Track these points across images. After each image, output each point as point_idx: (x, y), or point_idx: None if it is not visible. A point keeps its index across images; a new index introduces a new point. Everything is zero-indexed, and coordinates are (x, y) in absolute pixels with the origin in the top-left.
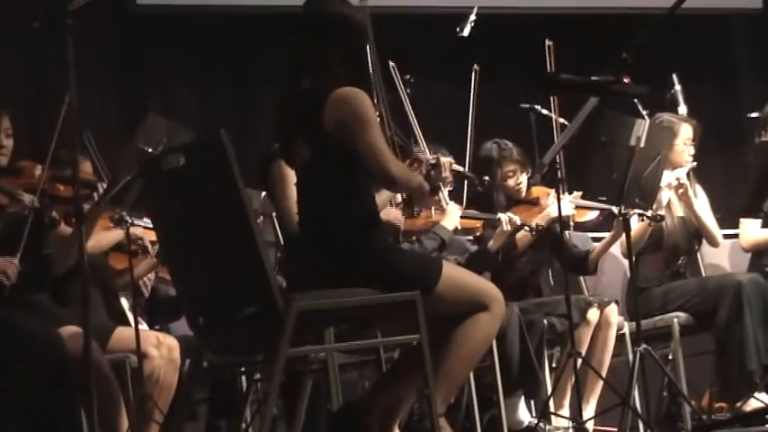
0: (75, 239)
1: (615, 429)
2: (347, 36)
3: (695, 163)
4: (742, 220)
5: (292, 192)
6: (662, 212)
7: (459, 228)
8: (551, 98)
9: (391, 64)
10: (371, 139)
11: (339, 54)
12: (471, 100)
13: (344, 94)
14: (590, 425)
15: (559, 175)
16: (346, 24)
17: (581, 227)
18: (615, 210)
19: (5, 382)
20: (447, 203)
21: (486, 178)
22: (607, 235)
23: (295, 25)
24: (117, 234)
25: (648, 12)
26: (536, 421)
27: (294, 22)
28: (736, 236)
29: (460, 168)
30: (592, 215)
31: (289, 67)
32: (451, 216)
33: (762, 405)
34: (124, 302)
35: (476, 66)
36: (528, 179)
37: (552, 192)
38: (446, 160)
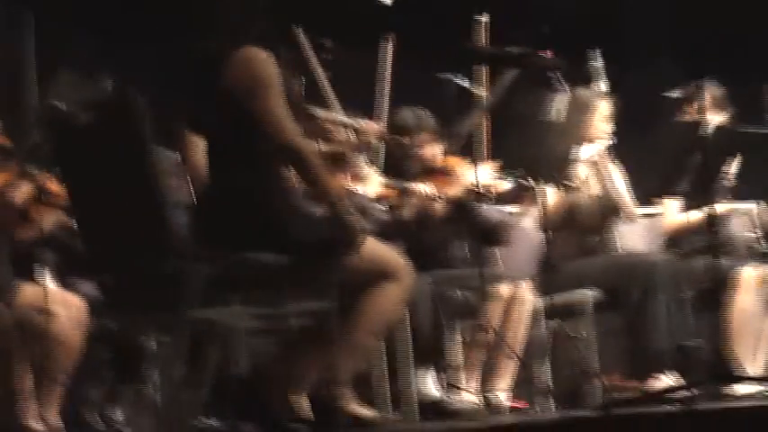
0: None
1: (527, 405)
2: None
3: (612, 139)
4: (664, 200)
5: (200, 151)
6: (574, 183)
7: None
8: (476, 69)
9: (299, 29)
10: (269, 104)
11: (243, 15)
12: (386, 68)
13: (246, 53)
14: (503, 400)
15: (476, 147)
16: None
17: (500, 199)
18: (531, 182)
19: None
20: (366, 170)
21: (402, 139)
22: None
23: None
24: (28, 189)
25: None
26: (445, 395)
27: None
28: (651, 215)
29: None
30: (507, 185)
31: (186, 26)
32: (371, 182)
33: (669, 384)
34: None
35: (390, 36)
36: (444, 149)
37: (467, 162)
38: (358, 125)
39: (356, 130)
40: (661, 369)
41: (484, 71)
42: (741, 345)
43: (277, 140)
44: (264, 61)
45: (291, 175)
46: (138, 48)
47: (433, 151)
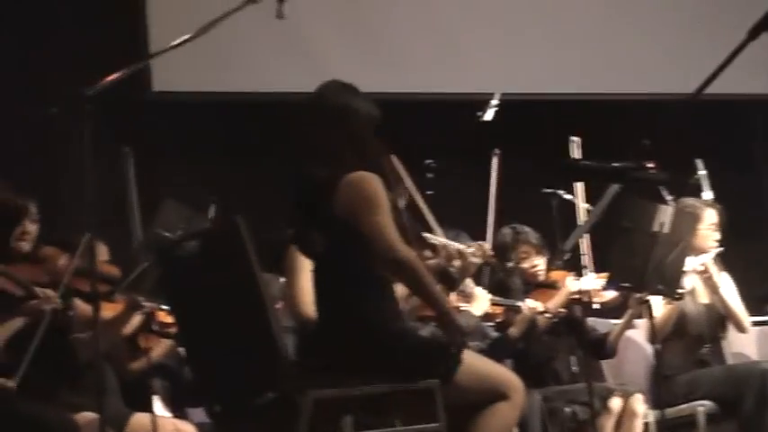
0: (114, 322)
1: None
2: (354, 126)
3: (721, 248)
4: None
5: (303, 279)
6: (681, 290)
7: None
8: (575, 183)
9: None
10: (377, 220)
11: (347, 142)
12: (492, 185)
13: (354, 177)
14: None
15: (582, 260)
16: (353, 114)
17: (603, 310)
18: (639, 294)
19: None
20: (473, 289)
21: (510, 264)
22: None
23: (301, 115)
24: (137, 320)
25: (671, 98)
26: None
27: (301, 111)
28: (762, 323)
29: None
30: (611, 293)
31: (296, 155)
32: (480, 301)
33: None
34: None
35: (497, 150)
36: (547, 264)
37: (572, 275)
38: (463, 249)
39: (463, 254)
40: None
41: (584, 185)
42: None
43: (384, 254)
44: (372, 182)
45: (397, 297)
46: (242, 174)
47: (536, 266)
